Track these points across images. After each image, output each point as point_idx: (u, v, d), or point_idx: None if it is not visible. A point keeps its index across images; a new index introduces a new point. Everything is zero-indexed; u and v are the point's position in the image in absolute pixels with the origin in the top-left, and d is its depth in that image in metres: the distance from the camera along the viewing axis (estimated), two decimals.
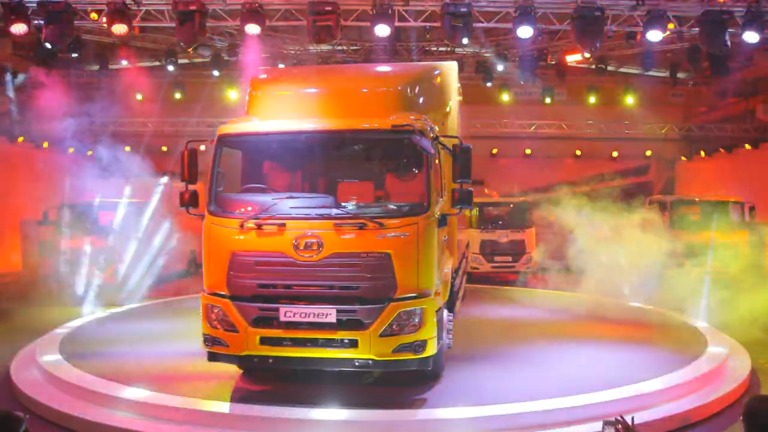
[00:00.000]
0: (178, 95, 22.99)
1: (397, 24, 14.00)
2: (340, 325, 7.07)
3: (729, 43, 13.17)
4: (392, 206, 7.49)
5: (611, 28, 14.37)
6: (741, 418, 3.78)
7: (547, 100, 23.67)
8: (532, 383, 7.98)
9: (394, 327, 7.02)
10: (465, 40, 13.47)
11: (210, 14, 13.58)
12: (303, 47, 19.49)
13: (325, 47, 18.55)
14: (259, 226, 7.21)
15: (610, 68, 20.77)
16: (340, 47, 19.64)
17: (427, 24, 14.65)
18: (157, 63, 20.01)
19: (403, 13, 14.05)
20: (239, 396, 7.64)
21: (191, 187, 7.64)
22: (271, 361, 7.32)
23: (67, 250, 16.06)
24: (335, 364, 7.37)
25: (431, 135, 7.37)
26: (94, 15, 14.03)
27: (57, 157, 19.45)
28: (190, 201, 7.62)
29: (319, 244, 7.04)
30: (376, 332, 7.00)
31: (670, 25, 13.86)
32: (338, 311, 7.05)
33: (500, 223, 19.33)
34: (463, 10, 13.00)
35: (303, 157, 8.08)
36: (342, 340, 7.10)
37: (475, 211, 18.49)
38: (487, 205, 19.51)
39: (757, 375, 8.98)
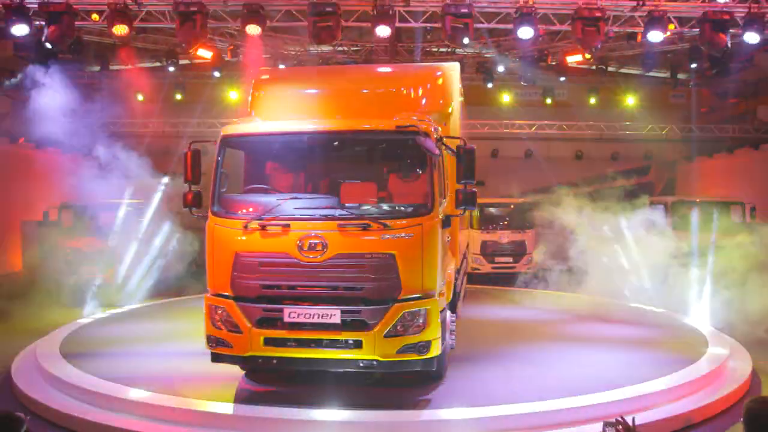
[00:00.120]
0: (178, 96, 23.00)
1: (397, 25, 14.01)
2: (344, 325, 7.07)
3: (729, 44, 13.17)
4: (396, 207, 7.49)
5: (612, 28, 14.37)
6: (742, 419, 3.79)
7: (548, 101, 23.67)
8: (533, 384, 7.99)
9: (398, 328, 7.02)
10: (466, 41, 13.48)
11: (211, 15, 13.59)
12: (303, 48, 19.50)
13: (325, 48, 18.55)
14: (263, 227, 7.21)
15: (610, 69, 20.79)
16: (340, 48, 19.66)
17: (428, 25, 14.64)
18: (157, 64, 20.03)
19: (404, 13, 14.05)
20: (242, 397, 7.64)
21: (194, 187, 7.63)
22: (275, 362, 7.32)
23: (68, 251, 16.05)
24: (339, 365, 7.37)
25: (435, 136, 7.38)
26: (95, 16, 14.03)
27: (57, 158, 19.44)
28: (193, 202, 7.61)
29: (324, 244, 7.04)
30: (380, 333, 7.00)
31: (671, 26, 13.87)
32: (342, 312, 7.05)
33: (501, 223, 19.32)
34: (464, 10, 13.00)
35: (306, 157, 8.08)
36: (346, 340, 7.10)
37: (475, 212, 18.48)
38: (487, 206, 19.51)
39: (758, 376, 8.97)
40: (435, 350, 7.23)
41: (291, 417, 6.89)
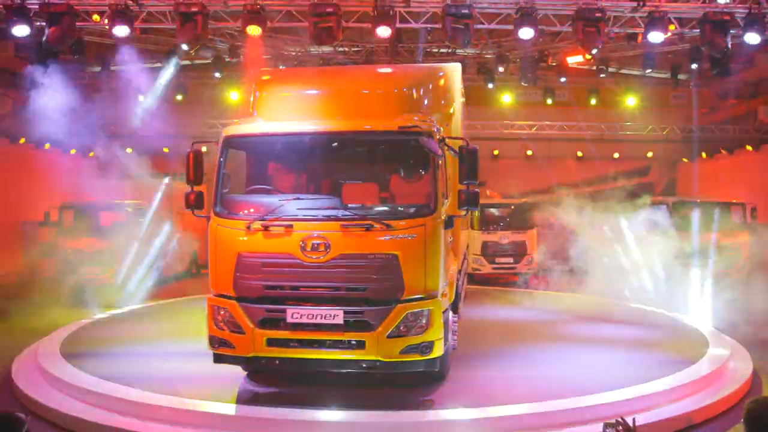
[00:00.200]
0: (179, 97, 23.00)
1: (398, 26, 14.01)
2: (347, 326, 7.07)
3: (730, 44, 13.18)
4: (399, 208, 7.49)
5: (612, 29, 14.37)
6: (742, 420, 3.78)
7: (549, 102, 23.68)
8: (535, 384, 7.98)
9: (401, 328, 7.02)
10: (466, 42, 13.49)
11: (211, 16, 13.61)
12: (304, 49, 19.51)
13: (326, 49, 18.56)
14: (265, 228, 7.20)
15: (611, 70, 20.79)
16: (341, 49, 19.67)
17: (429, 26, 14.66)
18: (158, 64, 20.03)
19: (405, 14, 14.06)
20: (243, 398, 7.63)
21: (196, 188, 7.62)
22: (277, 362, 7.31)
23: (68, 251, 16.06)
24: (342, 366, 7.37)
25: (437, 136, 7.38)
26: (95, 16, 14.05)
27: (58, 158, 19.47)
28: (195, 202, 7.61)
29: (326, 245, 7.04)
30: (383, 334, 7.00)
31: (671, 27, 13.87)
32: (345, 312, 7.05)
33: (502, 224, 19.32)
34: (465, 11, 13.01)
35: (309, 158, 8.07)
36: (349, 341, 7.09)
37: (476, 212, 18.49)
38: (488, 207, 19.51)
39: (759, 376, 8.96)
40: (438, 351, 7.23)
41: (293, 418, 6.89)
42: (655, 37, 13.39)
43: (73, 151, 20.18)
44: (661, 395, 7.60)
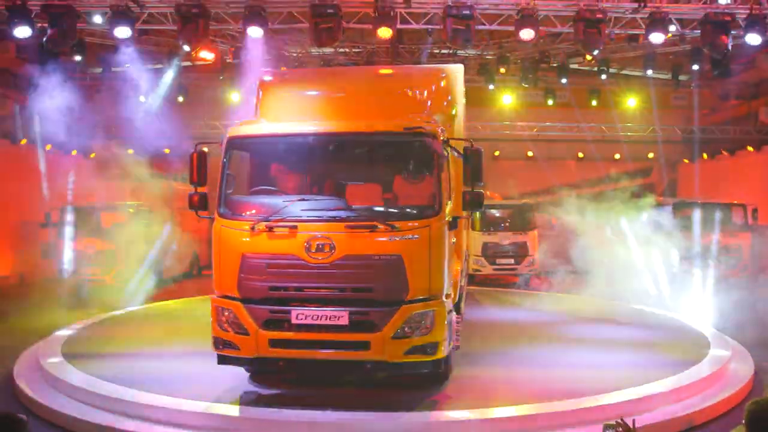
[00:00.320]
0: (180, 98, 23.01)
1: (398, 26, 14.01)
2: (352, 327, 7.06)
3: (731, 45, 13.17)
4: (404, 209, 7.50)
5: (613, 30, 14.37)
6: (743, 421, 3.78)
7: (550, 103, 23.69)
8: (537, 385, 7.99)
9: (406, 329, 7.02)
10: (467, 43, 13.49)
11: (212, 17, 13.61)
12: (305, 50, 19.52)
13: (327, 50, 18.57)
14: (270, 229, 7.19)
15: (612, 70, 20.79)
16: (342, 50, 19.67)
17: (429, 27, 14.66)
18: (159, 65, 20.05)
19: (405, 15, 14.07)
20: (247, 399, 7.63)
21: (200, 189, 7.61)
22: (281, 363, 7.32)
23: (69, 252, 16.08)
24: (347, 367, 7.38)
25: (442, 137, 7.40)
26: (97, 18, 14.06)
27: (59, 159, 19.48)
28: (199, 204, 7.61)
29: (331, 246, 7.03)
30: (388, 334, 6.99)
31: (672, 28, 13.87)
32: (350, 313, 7.04)
33: (502, 225, 19.31)
34: (466, 12, 13.01)
35: (313, 159, 8.08)
36: (354, 342, 7.09)
37: (477, 213, 18.48)
38: (489, 208, 19.51)
39: (760, 377, 8.96)
40: (442, 351, 7.24)
41: (296, 419, 6.89)
42: (656, 38, 13.39)
43: (74, 152, 20.19)
44: (662, 396, 7.59)
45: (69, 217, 16.70)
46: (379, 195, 7.89)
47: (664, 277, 14.75)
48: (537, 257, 18.59)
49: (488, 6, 13.72)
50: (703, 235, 15.82)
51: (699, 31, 13.55)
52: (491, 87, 21.51)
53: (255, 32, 13.29)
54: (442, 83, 8.85)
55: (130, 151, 20.68)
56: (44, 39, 13.19)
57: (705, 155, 25.55)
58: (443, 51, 19.85)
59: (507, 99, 24.44)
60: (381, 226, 7.05)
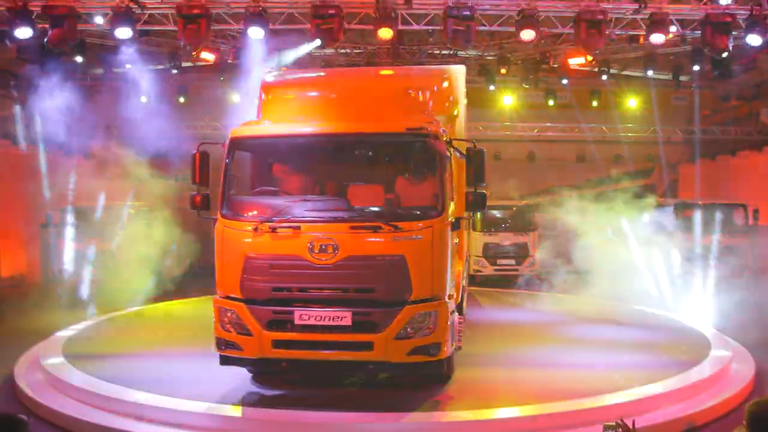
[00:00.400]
0: (181, 99, 23.03)
1: (399, 27, 14.01)
2: (355, 328, 7.07)
3: (731, 46, 13.17)
4: (407, 209, 7.52)
5: (614, 31, 14.37)
6: (744, 422, 3.78)
7: (550, 103, 23.67)
8: (539, 386, 8.03)
9: (409, 330, 7.03)
10: (467, 43, 13.49)
11: (213, 18, 13.62)
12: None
13: (327, 50, 18.56)
14: (273, 229, 7.21)
15: (612, 71, 20.77)
16: (342, 50, 19.66)
17: (430, 27, 14.66)
18: (160, 66, 20.06)
19: (406, 16, 14.07)
20: (249, 400, 7.64)
21: (202, 190, 7.62)
22: (284, 364, 7.34)
23: (70, 253, 16.09)
24: (350, 368, 7.42)
25: (444, 138, 7.40)
26: (98, 19, 14.07)
27: (60, 160, 19.48)
28: (201, 204, 7.61)
29: (334, 247, 7.04)
30: (391, 335, 7.01)
31: (673, 28, 13.87)
32: (353, 314, 7.05)
33: (503, 226, 19.30)
34: (466, 13, 13.01)
35: (315, 160, 8.10)
36: (357, 343, 7.11)
37: (478, 214, 18.48)
38: (490, 208, 19.49)
39: (761, 378, 8.95)
40: (445, 352, 7.25)
41: (298, 420, 6.90)
42: (657, 38, 13.38)
43: (75, 153, 20.19)
44: (662, 397, 7.60)
45: (70, 217, 16.71)
46: (381, 196, 7.90)
47: (665, 277, 14.73)
48: (538, 258, 18.58)
49: (489, 7, 13.71)
50: (704, 236, 15.81)
51: (699, 32, 13.54)
52: (492, 88, 21.50)
53: (256, 33, 13.29)
54: (444, 84, 8.86)
55: (131, 152, 20.70)
56: (45, 40, 13.20)
57: (706, 156, 25.54)
58: (444, 52, 19.84)
59: (507, 100, 24.42)
60: (384, 227, 7.06)
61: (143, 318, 12.89)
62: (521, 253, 18.78)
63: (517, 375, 8.60)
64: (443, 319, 7.18)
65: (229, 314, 7.32)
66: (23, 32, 12.80)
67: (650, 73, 19.70)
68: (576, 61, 19.05)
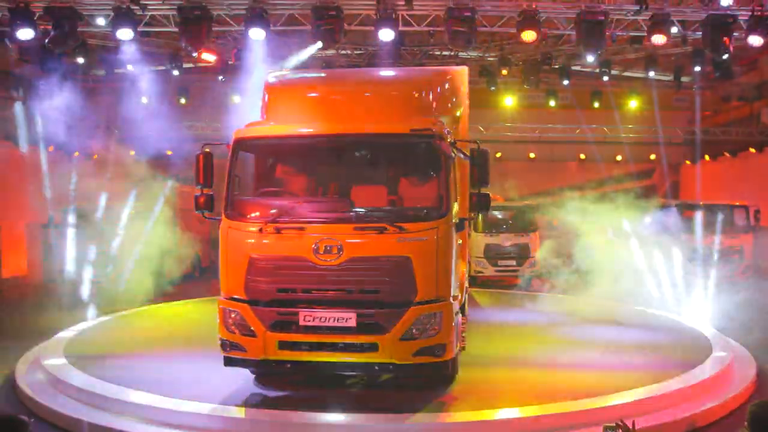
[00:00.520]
0: (182, 99, 23.06)
1: (400, 28, 14.02)
2: (360, 329, 7.06)
3: (732, 47, 13.16)
4: (412, 210, 7.53)
5: (615, 32, 14.37)
6: (746, 423, 3.78)
7: (551, 104, 23.67)
8: (541, 386, 8.01)
9: (414, 331, 7.03)
10: (468, 43, 13.50)
11: (214, 19, 13.64)
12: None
13: (328, 51, 18.57)
14: (278, 230, 7.21)
15: (614, 72, 20.77)
16: (343, 52, 19.68)
17: (431, 29, 14.67)
18: (161, 67, 20.08)
19: (407, 17, 14.07)
20: (252, 401, 7.62)
21: (206, 190, 7.61)
22: (289, 365, 7.32)
23: (72, 254, 16.10)
24: (355, 369, 7.40)
25: (449, 139, 7.41)
26: (100, 20, 14.09)
27: (62, 161, 19.51)
28: (205, 205, 7.61)
29: (339, 248, 7.03)
30: (396, 336, 7.00)
31: (674, 29, 13.87)
32: (358, 315, 7.04)
33: (504, 227, 19.30)
34: (467, 14, 13.01)
35: (320, 160, 8.10)
36: (362, 344, 7.10)
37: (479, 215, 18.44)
38: (491, 209, 19.48)
39: (762, 379, 8.94)
40: (450, 353, 7.25)
41: (301, 421, 6.89)
42: (658, 39, 13.38)
43: (76, 154, 20.22)
44: (663, 398, 7.59)
45: (71, 218, 16.72)
46: (386, 197, 7.91)
47: (666, 278, 14.72)
48: (539, 259, 18.57)
49: (490, 8, 13.72)
50: (706, 237, 15.80)
51: (701, 33, 13.54)
52: (493, 89, 21.51)
53: (257, 34, 13.30)
54: (447, 85, 8.87)
55: (132, 153, 20.72)
56: (46, 41, 13.22)
57: (707, 157, 25.53)
58: (444, 53, 19.85)
59: (509, 101, 24.43)
60: (389, 228, 7.05)
61: (144, 319, 12.89)
62: (522, 254, 18.78)
63: (519, 375, 8.60)
64: (448, 320, 7.17)
65: (233, 315, 7.31)
66: (25, 33, 12.82)
67: (651, 74, 19.71)
68: (577, 62, 19.03)
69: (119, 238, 16.14)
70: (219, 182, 7.66)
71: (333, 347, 7.15)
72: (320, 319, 7.09)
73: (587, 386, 7.84)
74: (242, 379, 8.05)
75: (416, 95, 8.17)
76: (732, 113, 25.30)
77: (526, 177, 24.45)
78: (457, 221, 7.56)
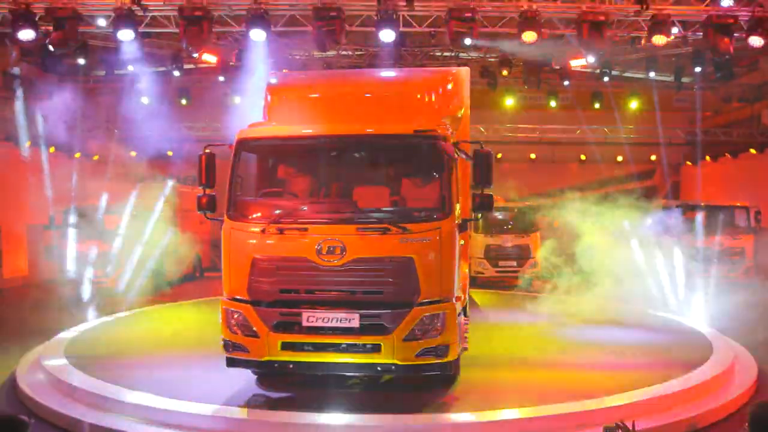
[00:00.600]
0: (183, 101, 23.09)
1: (401, 29, 14.03)
2: (363, 330, 7.07)
3: (733, 47, 13.16)
4: (415, 211, 7.52)
5: (616, 33, 14.37)
6: (747, 424, 3.77)
7: (552, 105, 23.67)
8: (541, 387, 8.00)
9: (417, 332, 7.03)
10: (467, 41, 13.51)
11: (215, 20, 13.65)
12: (308, 52, 19.54)
13: (329, 52, 18.59)
14: (281, 231, 7.21)
15: (614, 73, 20.78)
16: (344, 52, 19.70)
17: (432, 29, 14.68)
18: (162, 68, 20.10)
19: (408, 18, 14.08)
20: (254, 402, 7.62)
21: (209, 191, 7.61)
22: (291, 366, 7.31)
23: (73, 255, 16.11)
24: (358, 369, 7.39)
25: (452, 140, 7.42)
26: (101, 21, 14.11)
27: (63, 162, 19.53)
28: (207, 205, 7.61)
29: (342, 248, 7.03)
30: (399, 337, 7.00)
31: (674, 30, 13.87)
32: (361, 316, 7.04)
33: (505, 227, 19.29)
34: (468, 15, 13.02)
35: (323, 161, 8.09)
36: (365, 345, 7.10)
37: (479, 216, 18.43)
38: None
39: (763, 380, 8.93)
40: (453, 354, 7.25)
41: (303, 421, 6.88)
42: (659, 40, 13.38)
43: (77, 155, 20.25)
44: (664, 399, 7.58)
45: (72, 219, 16.74)
46: (389, 197, 7.90)
47: (667, 279, 14.71)
48: (539, 260, 18.55)
49: (491, 8, 13.73)
50: (707, 238, 15.80)
51: (701, 34, 13.54)
52: (494, 90, 21.51)
53: (258, 35, 13.31)
54: (449, 86, 8.87)
55: (133, 153, 20.74)
56: (47, 42, 13.24)
57: (708, 158, 25.52)
58: (445, 54, 19.86)
59: (509, 102, 24.43)
60: (392, 229, 7.05)
61: (145, 320, 12.88)
62: (523, 255, 18.76)
63: (520, 376, 8.59)
64: (451, 320, 7.17)
65: (236, 316, 7.31)
66: (26, 34, 12.84)
67: (652, 74, 19.71)
68: (578, 63, 19.05)
69: (120, 239, 16.15)
70: (221, 183, 7.67)
71: (336, 348, 7.14)
72: (323, 319, 7.09)
73: (588, 387, 7.83)
74: (244, 379, 8.05)
75: (419, 96, 8.19)
76: (733, 114, 25.31)
77: (527, 178, 24.41)
78: (460, 222, 7.55)
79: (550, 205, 19.00)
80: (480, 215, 7.72)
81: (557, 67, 19.98)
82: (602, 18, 13.04)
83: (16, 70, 19.02)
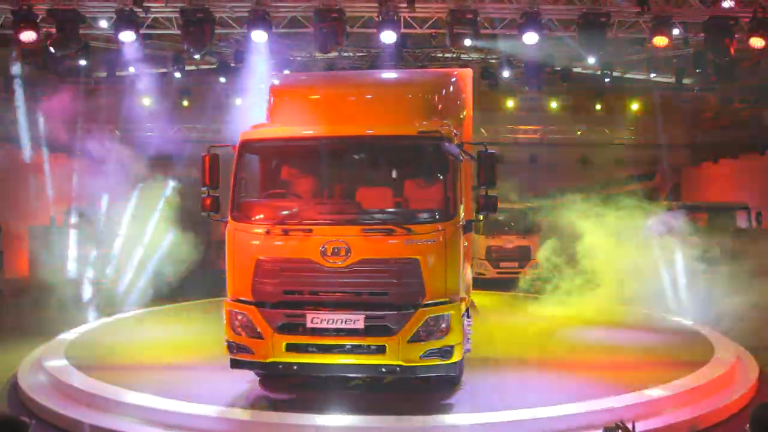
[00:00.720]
0: (184, 102, 23.11)
1: (402, 31, 14.04)
2: (367, 331, 7.07)
3: (734, 49, 13.16)
4: (419, 212, 7.52)
5: (617, 34, 14.37)
6: (748, 425, 3.77)
7: (553, 106, 23.67)
8: (542, 388, 8.01)
9: (422, 333, 7.03)
10: (468, 42, 13.51)
11: (217, 21, 13.66)
12: (309, 54, 19.55)
13: (331, 54, 18.58)
14: (285, 232, 7.22)
15: (615, 74, 20.75)
16: (345, 54, 19.70)
17: (433, 31, 14.69)
18: (163, 69, 20.11)
19: (409, 19, 14.09)
20: (257, 403, 7.62)
21: (212, 192, 7.61)
22: (296, 368, 7.30)
23: (74, 255, 16.13)
24: (362, 371, 7.40)
25: (456, 141, 7.42)
26: (102, 22, 14.13)
27: (64, 163, 19.54)
28: (211, 206, 7.62)
29: (347, 250, 7.04)
30: (404, 338, 7.01)
31: (676, 31, 13.86)
32: (366, 317, 7.04)
33: (506, 229, 19.29)
34: (469, 16, 13.03)
35: (327, 162, 8.09)
36: (369, 346, 7.10)
37: (480, 217, 18.43)
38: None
39: (765, 381, 8.92)
40: (458, 355, 7.25)
41: (305, 422, 6.88)
42: (660, 41, 13.37)
43: (78, 156, 20.26)
44: (665, 400, 7.58)
45: (73, 220, 16.75)
46: (393, 199, 7.91)
47: (669, 279, 14.70)
48: (541, 260, 18.52)
49: (492, 10, 13.74)
50: (708, 239, 15.77)
51: (703, 35, 13.54)
52: (495, 91, 21.51)
53: (259, 36, 13.32)
54: (452, 87, 8.88)
55: (134, 154, 20.72)
56: (49, 43, 13.24)
57: (709, 159, 25.50)
58: (446, 55, 19.86)
59: (510, 103, 24.44)
60: (397, 230, 7.06)
61: (146, 321, 12.89)
62: (524, 256, 18.76)
63: (522, 377, 8.60)
64: (456, 321, 7.18)
65: (240, 317, 7.31)
66: (27, 35, 12.85)
67: (653, 76, 19.69)
68: (579, 64, 18.94)
69: (121, 240, 16.15)
70: (223, 184, 7.68)
71: (340, 349, 7.15)
72: (328, 321, 7.09)
73: (589, 387, 7.83)
74: (247, 381, 8.06)
75: (422, 97, 8.20)
76: (734, 115, 25.27)
77: (528, 179, 24.43)
78: (464, 223, 7.55)
79: (550, 206, 18.99)
80: (485, 216, 7.71)
81: (558, 69, 19.96)
82: (603, 19, 13.04)
83: (17, 72, 19.02)
